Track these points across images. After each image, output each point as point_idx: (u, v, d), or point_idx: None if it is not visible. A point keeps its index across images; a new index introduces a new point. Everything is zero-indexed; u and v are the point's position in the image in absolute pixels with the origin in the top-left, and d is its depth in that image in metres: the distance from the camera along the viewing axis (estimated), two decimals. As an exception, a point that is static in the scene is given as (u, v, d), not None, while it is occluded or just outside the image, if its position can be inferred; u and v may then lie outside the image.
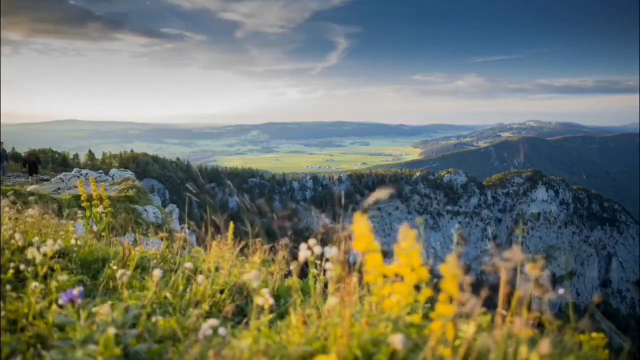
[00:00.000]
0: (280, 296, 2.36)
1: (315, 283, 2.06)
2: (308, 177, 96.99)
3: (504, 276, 1.10)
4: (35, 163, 20.15)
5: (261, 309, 1.44)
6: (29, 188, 14.83)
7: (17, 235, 2.11)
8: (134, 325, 1.50)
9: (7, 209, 3.81)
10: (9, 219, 3.32)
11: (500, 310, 1.19)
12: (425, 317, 1.20)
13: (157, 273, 1.65)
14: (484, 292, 1.09)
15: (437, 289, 1.10)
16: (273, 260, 2.54)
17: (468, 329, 1.06)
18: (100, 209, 4.35)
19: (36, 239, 2.43)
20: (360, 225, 1.14)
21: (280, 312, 1.95)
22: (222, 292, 2.11)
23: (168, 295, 1.92)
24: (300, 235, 1.95)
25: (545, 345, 0.96)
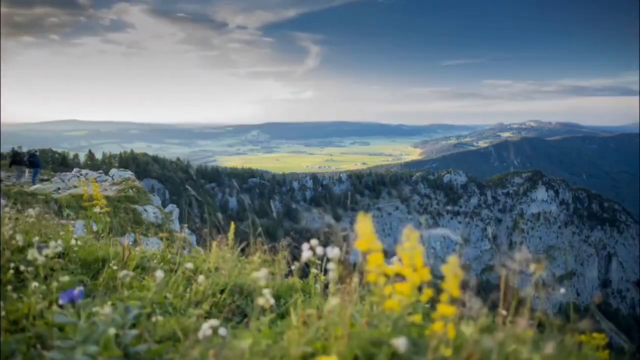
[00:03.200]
0: (281, 296, 2.36)
1: (316, 283, 2.06)
2: (308, 177, 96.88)
3: (504, 276, 1.10)
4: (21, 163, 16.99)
5: (262, 309, 1.44)
6: (30, 188, 14.83)
7: (18, 236, 2.11)
8: (134, 325, 1.50)
9: (7, 209, 3.81)
10: (10, 219, 3.32)
11: (501, 310, 1.19)
12: (427, 317, 1.19)
13: (159, 274, 1.65)
14: (485, 293, 1.09)
15: (437, 289, 1.10)
16: (273, 260, 2.54)
17: (469, 329, 1.06)
18: (97, 209, 4.34)
19: (36, 239, 2.43)
20: (364, 225, 1.14)
21: (280, 312, 1.95)
22: (222, 292, 2.11)
23: (168, 295, 1.92)
24: (301, 235, 1.95)
25: (546, 346, 0.96)
